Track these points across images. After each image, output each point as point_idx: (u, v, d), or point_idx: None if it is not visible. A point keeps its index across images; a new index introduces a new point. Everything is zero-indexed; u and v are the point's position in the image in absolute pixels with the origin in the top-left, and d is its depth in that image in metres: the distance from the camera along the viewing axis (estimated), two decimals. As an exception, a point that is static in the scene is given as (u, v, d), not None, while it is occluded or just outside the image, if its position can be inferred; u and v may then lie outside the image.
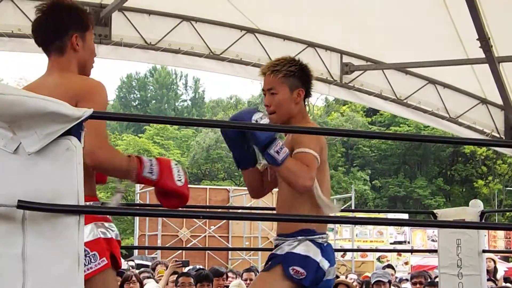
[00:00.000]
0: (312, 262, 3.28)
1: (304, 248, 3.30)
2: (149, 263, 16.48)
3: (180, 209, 4.21)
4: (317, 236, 3.33)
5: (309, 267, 3.27)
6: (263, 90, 3.55)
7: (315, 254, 3.29)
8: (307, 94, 3.50)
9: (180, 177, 2.83)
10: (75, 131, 2.25)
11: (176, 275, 7.01)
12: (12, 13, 6.74)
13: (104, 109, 2.79)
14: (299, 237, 3.32)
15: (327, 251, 3.36)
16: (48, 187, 2.22)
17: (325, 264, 3.31)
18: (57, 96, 2.23)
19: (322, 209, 3.29)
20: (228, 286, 7.60)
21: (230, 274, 9.23)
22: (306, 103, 3.55)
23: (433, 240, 21.55)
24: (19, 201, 2.16)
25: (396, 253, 20.96)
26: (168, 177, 2.81)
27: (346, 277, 10.68)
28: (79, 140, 2.28)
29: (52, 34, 2.86)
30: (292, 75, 3.42)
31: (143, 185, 20.78)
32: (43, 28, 2.88)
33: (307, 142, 3.24)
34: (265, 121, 3.13)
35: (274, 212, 5.20)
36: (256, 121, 3.06)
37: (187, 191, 2.89)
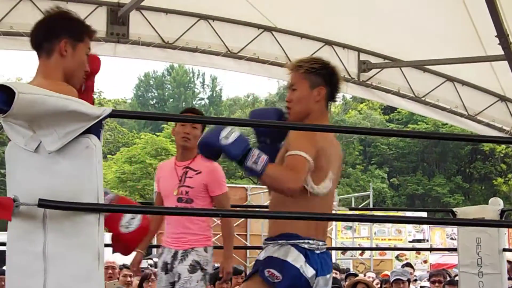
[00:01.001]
0: (290, 267, 3.14)
1: (284, 252, 3.18)
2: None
3: (197, 207, 4.20)
4: (301, 241, 3.19)
5: (285, 272, 3.14)
6: (287, 87, 3.48)
7: (296, 259, 3.16)
8: (332, 96, 3.40)
9: (129, 224, 2.69)
10: (94, 129, 2.27)
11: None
12: (31, 13, 6.78)
13: None
14: (280, 241, 3.21)
15: (315, 258, 3.20)
16: (68, 185, 2.24)
17: (308, 271, 3.16)
18: None
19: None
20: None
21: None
22: (329, 105, 3.42)
23: (452, 239, 21.42)
24: (40, 199, 2.18)
25: (415, 252, 20.85)
26: (114, 219, 2.67)
27: (365, 275, 10.66)
28: (99, 138, 2.29)
29: (44, 35, 2.85)
30: (314, 72, 3.34)
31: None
32: (37, 29, 2.90)
33: (298, 144, 3.14)
34: (235, 134, 2.98)
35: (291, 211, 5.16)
36: (226, 137, 2.95)
37: (130, 240, 2.72)
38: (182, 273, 4.59)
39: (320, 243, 3.25)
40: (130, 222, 2.67)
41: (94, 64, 3.05)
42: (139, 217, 2.70)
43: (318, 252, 3.23)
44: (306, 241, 3.19)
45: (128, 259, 9.31)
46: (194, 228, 4.67)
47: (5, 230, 2.33)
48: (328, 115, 3.45)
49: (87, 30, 2.90)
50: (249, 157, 2.98)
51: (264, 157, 3.01)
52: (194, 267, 4.60)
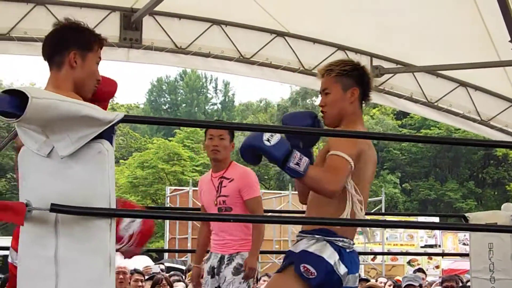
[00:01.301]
0: (325, 263, 3.18)
1: (319, 248, 3.22)
2: (179, 266, 16.54)
3: (210, 212, 4.20)
4: (337, 239, 3.24)
5: (320, 268, 3.17)
6: (320, 92, 3.51)
7: (330, 256, 3.20)
8: (365, 96, 3.44)
9: (128, 227, 2.74)
10: (106, 134, 2.27)
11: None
12: (45, 19, 6.81)
13: None
14: (317, 236, 3.25)
15: (348, 257, 3.25)
16: (81, 190, 2.24)
17: (341, 269, 3.20)
18: None
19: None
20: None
21: (265, 278, 9.22)
22: (363, 105, 3.46)
23: (464, 244, 21.33)
24: (52, 204, 2.18)
25: (427, 257, 20.79)
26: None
27: (376, 280, 10.63)
28: (111, 143, 2.30)
29: (54, 48, 2.92)
30: (345, 75, 3.38)
31: (173, 188, 20.81)
32: (48, 42, 2.97)
33: (340, 145, 3.19)
34: (276, 137, 3.05)
35: (304, 215, 5.18)
36: (268, 140, 3.01)
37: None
38: (227, 276, 4.79)
39: (351, 242, 3.32)
40: (129, 225, 2.72)
41: (110, 87, 3.08)
42: (138, 221, 2.74)
43: (349, 250, 3.28)
44: (341, 239, 3.24)
45: (138, 264, 9.32)
46: (238, 233, 4.83)
47: (8, 235, 2.33)
48: (362, 115, 3.50)
49: (96, 39, 2.96)
50: (292, 159, 3.03)
51: (306, 159, 3.08)
52: (238, 270, 4.78)
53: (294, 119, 3.49)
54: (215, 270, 4.87)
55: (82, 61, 2.88)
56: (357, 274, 3.33)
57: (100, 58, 2.97)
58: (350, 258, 3.27)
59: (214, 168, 5.01)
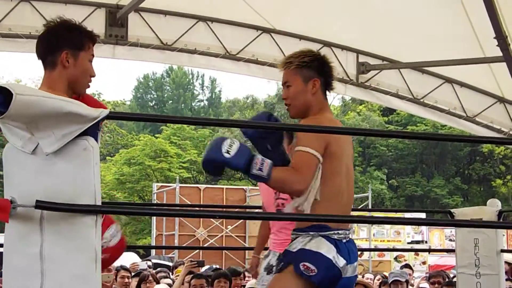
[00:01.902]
0: (324, 259, 3.20)
1: (316, 244, 3.23)
2: (166, 263, 16.53)
3: (197, 209, 4.21)
4: (331, 232, 3.25)
5: (320, 264, 3.18)
6: (282, 85, 3.53)
7: (328, 250, 3.21)
8: (327, 85, 3.45)
9: (109, 240, 2.87)
10: (91, 131, 2.27)
11: (191, 276, 7.02)
12: (30, 15, 6.78)
13: None
14: (311, 233, 3.26)
15: (344, 247, 3.26)
16: (66, 187, 2.24)
17: (340, 261, 3.22)
18: None
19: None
20: (245, 285, 7.60)
21: (247, 274, 9.22)
22: (327, 94, 3.46)
23: (450, 240, 21.42)
24: (37, 201, 2.18)
25: (413, 253, 20.85)
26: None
27: (363, 276, 10.65)
28: (96, 140, 2.30)
29: (46, 49, 2.96)
30: (305, 66, 3.39)
31: (160, 185, 20.81)
32: (41, 42, 3.00)
33: (306, 139, 3.20)
34: (235, 146, 3.07)
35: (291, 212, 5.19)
36: (227, 151, 3.04)
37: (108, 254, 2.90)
38: None
39: (347, 231, 3.32)
40: (111, 237, 2.83)
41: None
42: (119, 236, 2.83)
43: (345, 241, 3.29)
44: (335, 231, 3.25)
45: (125, 261, 9.30)
46: None
47: (2, 231, 2.33)
48: (328, 104, 3.50)
49: (88, 37, 3.02)
50: (254, 164, 3.05)
51: (268, 162, 3.08)
52: None
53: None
54: (273, 268, 4.90)
55: (75, 60, 2.93)
56: (355, 264, 3.34)
57: (93, 55, 3.03)
58: (347, 248, 3.29)
59: None
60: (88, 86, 3.05)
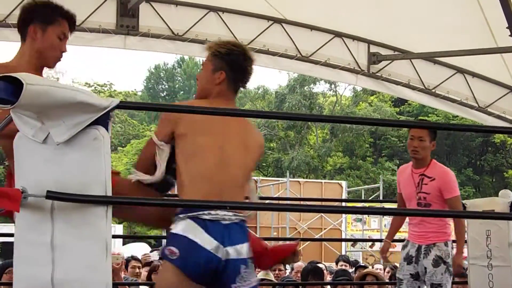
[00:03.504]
0: (184, 240, 3.05)
1: (181, 226, 3.08)
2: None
3: (207, 200, 4.20)
4: (201, 213, 3.08)
5: (181, 247, 3.04)
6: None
7: (188, 230, 3.05)
8: (236, 81, 3.41)
9: None
10: (102, 121, 2.27)
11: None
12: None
13: None
14: (181, 215, 3.10)
15: (217, 228, 3.08)
16: (76, 177, 2.24)
17: (208, 243, 3.05)
18: None
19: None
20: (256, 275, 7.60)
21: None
22: (234, 88, 3.43)
23: (462, 231, 21.35)
24: (47, 191, 2.18)
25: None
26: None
27: (373, 266, 10.65)
28: (107, 130, 2.29)
29: (20, 23, 3.19)
30: (218, 56, 3.40)
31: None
32: (18, 17, 3.23)
33: (156, 128, 3.37)
34: None
35: (302, 202, 5.21)
36: None
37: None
38: (427, 267, 5.07)
39: (230, 214, 3.13)
40: None
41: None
42: None
43: (226, 222, 3.11)
44: (207, 212, 3.08)
45: (138, 251, 9.33)
46: (433, 225, 5.11)
47: (11, 222, 2.34)
48: (234, 98, 3.46)
49: (59, 13, 3.20)
50: None
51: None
52: (437, 262, 5.04)
53: None
54: (413, 258, 5.16)
55: (42, 34, 3.13)
56: (239, 246, 3.14)
57: (64, 33, 3.21)
58: (225, 230, 3.11)
59: (415, 164, 5.25)
60: (58, 60, 3.25)
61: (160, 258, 3.26)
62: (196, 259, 3.04)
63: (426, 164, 5.20)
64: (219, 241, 3.07)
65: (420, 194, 5.14)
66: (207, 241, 3.05)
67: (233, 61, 3.39)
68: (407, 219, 5.62)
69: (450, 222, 5.25)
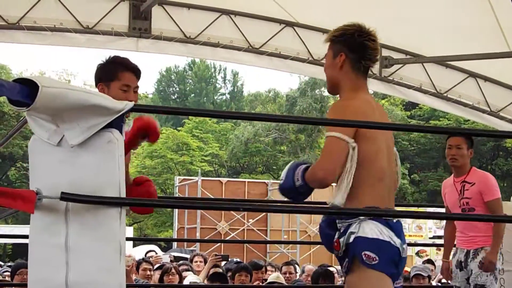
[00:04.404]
0: (380, 243, 3.06)
1: (367, 229, 3.07)
2: (188, 256, 16.59)
3: (218, 201, 4.23)
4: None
5: (379, 250, 3.05)
6: None
7: (381, 233, 3.07)
8: (360, 61, 3.30)
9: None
10: (116, 124, 2.28)
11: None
12: (54, 8, 6.83)
13: None
14: (361, 217, 3.10)
15: (396, 227, 3.13)
16: (90, 179, 2.25)
17: (396, 241, 3.08)
18: None
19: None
20: (267, 279, 7.61)
21: (269, 268, 9.24)
22: (362, 70, 3.32)
23: (473, 235, 21.30)
24: (62, 193, 2.19)
25: (435, 248, 20.75)
26: None
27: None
28: (121, 132, 2.31)
29: (95, 83, 3.49)
30: (334, 41, 3.36)
31: (182, 178, 20.84)
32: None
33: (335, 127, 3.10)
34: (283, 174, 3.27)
35: (312, 205, 5.23)
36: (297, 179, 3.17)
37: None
38: (473, 269, 5.18)
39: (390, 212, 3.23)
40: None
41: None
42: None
43: (395, 220, 3.17)
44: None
45: (148, 254, 9.33)
46: (479, 230, 5.21)
47: (28, 223, 2.35)
48: (365, 81, 3.36)
49: (118, 69, 3.44)
50: (296, 181, 3.18)
51: (300, 167, 3.17)
52: (483, 264, 5.13)
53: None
54: (463, 264, 5.26)
55: (108, 90, 3.36)
56: (405, 246, 3.19)
57: (127, 84, 3.41)
58: (398, 227, 3.16)
59: (456, 173, 5.42)
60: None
61: (349, 270, 3.16)
62: (394, 259, 3.10)
63: (466, 171, 5.35)
64: (401, 239, 3.14)
65: (463, 200, 5.26)
66: (396, 240, 3.10)
67: (348, 41, 3.33)
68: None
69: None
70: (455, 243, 5.47)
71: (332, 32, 3.40)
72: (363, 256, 3.05)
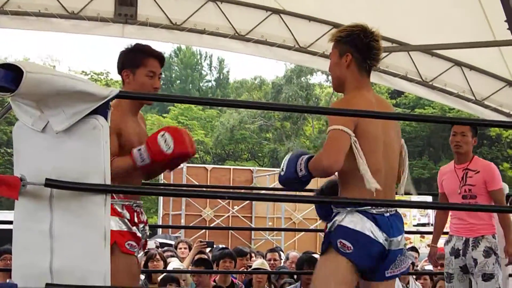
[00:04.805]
0: (358, 235, 3.22)
1: (350, 220, 3.24)
2: (172, 242, 16.59)
3: (204, 189, 4.23)
4: (368, 207, 3.26)
5: (355, 241, 3.21)
6: None
7: (363, 226, 3.23)
8: (365, 60, 3.46)
9: (167, 145, 3.25)
10: (101, 110, 2.28)
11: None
12: (39, -8, 6.78)
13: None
14: (348, 208, 3.27)
15: (384, 221, 3.27)
16: (76, 165, 2.25)
17: (380, 236, 3.23)
18: None
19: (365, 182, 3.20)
20: (252, 265, 7.63)
21: (253, 254, 9.27)
22: (366, 69, 3.49)
23: (456, 223, 21.39)
24: (46, 179, 2.19)
25: (419, 235, 20.86)
26: (156, 151, 3.26)
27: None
28: (106, 119, 2.30)
29: (118, 70, 3.59)
30: (340, 41, 3.48)
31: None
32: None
33: (333, 118, 3.27)
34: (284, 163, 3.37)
35: (296, 194, 5.24)
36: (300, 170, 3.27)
37: (176, 153, 3.26)
38: (478, 258, 5.11)
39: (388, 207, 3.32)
40: (166, 144, 3.23)
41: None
42: (167, 136, 3.25)
43: (387, 215, 3.30)
44: (373, 207, 3.27)
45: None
46: (483, 218, 5.18)
47: (12, 209, 2.34)
48: (368, 79, 3.53)
49: (144, 55, 3.53)
50: (299, 172, 3.27)
51: (303, 158, 3.28)
52: (488, 252, 5.11)
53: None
54: (461, 251, 5.21)
55: (133, 77, 3.50)
56: (399, 237, 3.34)
57: (153, 71, 3.51)
58: (390, 222, 3.29)
59: (458, 160, 5.35)
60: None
61: (323, 252, 3.32)
62: (371, 253, 3.24)
63: (469, 159, 5.31)
64: (387, 234, 3.27)
65: (465, 187, 5.23)
66: (379, 235, 3.24)
67: (355, 41, 3.45)
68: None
69: (495, 214, 5.29)
70: (446, 230, 5.48)
71: (338, 32, 3.53)
72: (338, 243, 3.22)
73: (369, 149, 3.27)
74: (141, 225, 3.43)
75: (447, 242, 5.37)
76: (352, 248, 3.20)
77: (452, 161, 5.48)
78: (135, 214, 3.39)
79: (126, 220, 3.32)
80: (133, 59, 3.53)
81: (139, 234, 3.39)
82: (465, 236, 5.22)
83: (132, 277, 3.32)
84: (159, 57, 3.57)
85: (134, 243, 3.33)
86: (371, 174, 3.21)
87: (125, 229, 3.31)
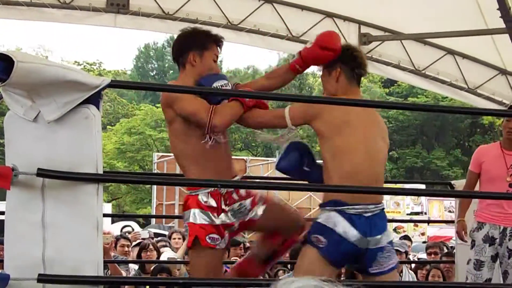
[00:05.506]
0: (330, 232, 3.35)
1: (326, 217, 3.39)
2: (166, 232, 16.59)
3: (198, 178, 4.23)
4: (346, 207, 3.37)
5: (327, 237, 3.35)
6: None
7: (336, 224, 3.35)
8: (352, 71, 3.64)
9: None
10: (93, 99, 2.27)
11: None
12: (31, -18, 6.75)
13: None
14: (327, 208, 3.42)
15: (362, 221, 3.37)
16: (67, 155, 2.24)
17: (352, 236, 3.34)
18: None
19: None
20: (245, 255, 7.62)
21: (248, 244, 9.25)
22: (355, 79, 3.68)
23: (450, 211, 21.43)
24: (38, 169, 2.18)
25: (412, 224, 20.92)
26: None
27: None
28: (98, 109, 2.29)
29: (177, 52, 3.59)
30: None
31: (160, 154, 20.78)
32: (173, 48, 3.66)
33: (296, 106, 3.59)
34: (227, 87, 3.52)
35: (290, 182, 5.24)
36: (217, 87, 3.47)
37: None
38: None
39: (370, 206, 3.42)
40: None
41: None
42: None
43: (368, 215, 3.40)
44: (351, 206, 3.38)
45: (126, 230, 9.27)
46: None
47: (3, 199, 2.34)
48: (358, 88, 3.74)
49: (211, 39, 3.59)
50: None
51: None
52: None
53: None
54: (496, 240, 5.10)
55: (200, 59, 3.51)
56: (379, 236, 3.43)
57: (216, 55, 3.59)
58: (368, 222, 3.40)
59: (509, 146, 5.26)
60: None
61: (304, 242, 3.45)
62: (341, 250, 3.37)
63: None
64: (362, 233, 3.37)
65: None
66: (351, 234, 3.36)
67: (341, 54, 3.63)
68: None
69: None
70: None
71: None
72: (312, 238, 3.40)
73: (346, 149, 3.45)
74: (235, 205, 3.53)
75: (478, 229, 5.19)
76: (325, 243, 3.35)
77: (495, 144, 5.43)
78: (222, 199, 3.47)
79: (210, 213, 3.41)
80: (201, 42, 3.55)
81: (228, 221, 3.46)
82: (503, 225, 5.12)
83: (213, 270, 3.40)
84: (221, 43, 3.64)
85: (216, 236, 3.40)
86: (345, 176, 3.40)
87: (207, 223, 3.40)
